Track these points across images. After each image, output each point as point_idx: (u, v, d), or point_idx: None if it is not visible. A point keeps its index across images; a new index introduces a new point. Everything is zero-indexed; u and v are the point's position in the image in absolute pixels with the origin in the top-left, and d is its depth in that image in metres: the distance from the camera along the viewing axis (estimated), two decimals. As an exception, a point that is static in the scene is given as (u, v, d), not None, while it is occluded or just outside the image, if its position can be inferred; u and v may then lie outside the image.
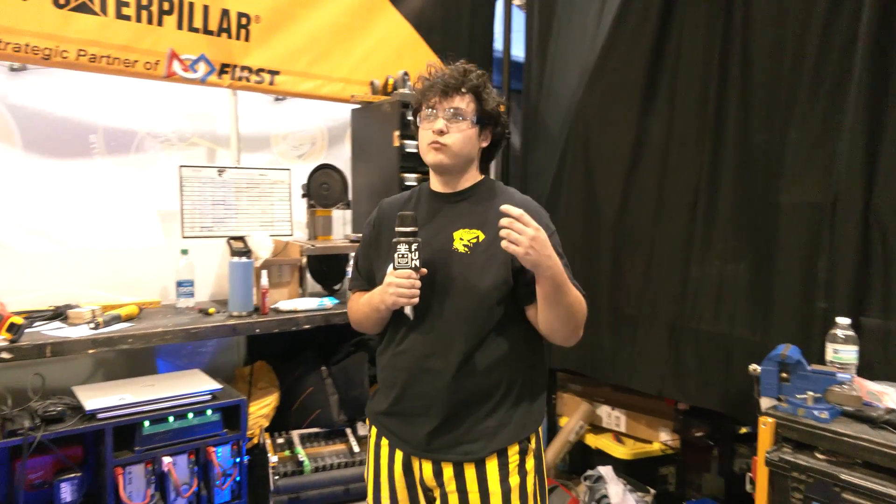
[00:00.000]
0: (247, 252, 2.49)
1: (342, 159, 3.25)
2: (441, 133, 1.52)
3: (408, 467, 1.56)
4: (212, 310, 2.47)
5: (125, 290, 2.59)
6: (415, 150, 2.80)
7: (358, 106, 3.09)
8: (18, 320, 1.97)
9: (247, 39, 2.84)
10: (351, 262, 2.50)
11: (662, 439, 2.83)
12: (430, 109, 1.55)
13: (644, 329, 2.68)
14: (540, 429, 1.61)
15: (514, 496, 1.51)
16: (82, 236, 2.64)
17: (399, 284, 1.46)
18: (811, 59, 2.16)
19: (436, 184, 1.64)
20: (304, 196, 2.92)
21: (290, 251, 2.79)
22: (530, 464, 1.56)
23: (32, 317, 2.23)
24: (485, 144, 1.62)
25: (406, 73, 2.94)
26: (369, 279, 1.69)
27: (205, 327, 2.28)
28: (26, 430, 1.80)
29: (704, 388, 2.45)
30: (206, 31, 2.73)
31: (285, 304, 2.55)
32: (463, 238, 1.54)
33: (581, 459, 3.14)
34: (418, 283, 1.47)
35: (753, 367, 1.80)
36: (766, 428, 1.67)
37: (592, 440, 3.01)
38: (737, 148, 2.40)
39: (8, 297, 2.26)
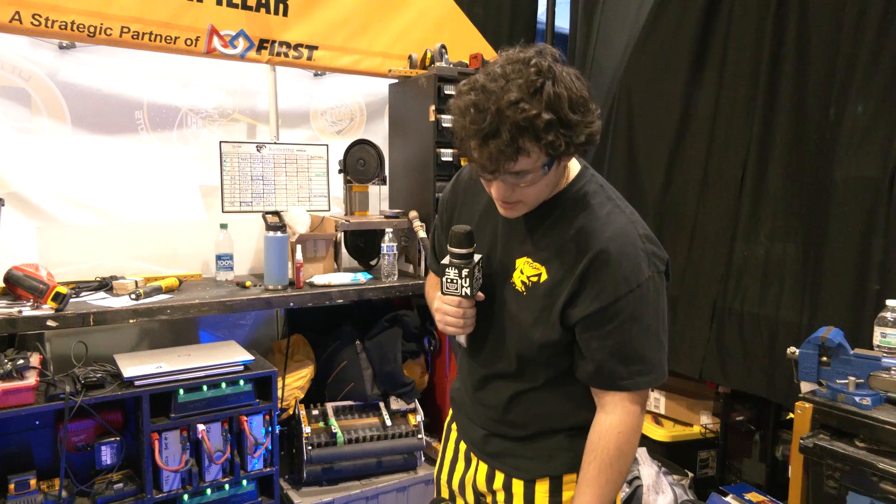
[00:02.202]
0: (281, 227, 2.52)
1: (381, 135, 3.24)
2: (500, 198, 1.17)
3: (468, 460, 1.44)
4: (248, 283, 2.52)
5: (168, 263, 2.67)
6: (451, 125, 2.77)
7: (396, 81, 3.06)
8: (63, 290, 2.05)
9: (285, 14, 2.85)
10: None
11: (703, 422, 2.75)
12: (480, 171, 1.12)
13: (685, 309, 2.60)
14: None
15: None
16: (128, 210, 2.73)
17: (446, 312, 1.26)
18: (872, 27, 2.00)
19: None
20: (340, 172, 2.93)
21: (325, 226, 2.81)
22: None
23: (80, 287, 2.32)
24: (568, 161, 1.20)
25: (443, 47, 2.89)
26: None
27: (240, 300, 2.32)
28: (67, 394, 1.89)
29: (747, 371, 2.36)
30: (245, 7, 2.74)
31: (320, 279, 2.57)
32: (524, 272, 1.24)
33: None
34: (471, 312, 1.26)
35: (792, 349, 1.71)
36: (802, 413, 1.58)
37: (630, 422, 2.94)
38: (789, 121, 2.27)
39: (57, 268, 2.35)
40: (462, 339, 1.34)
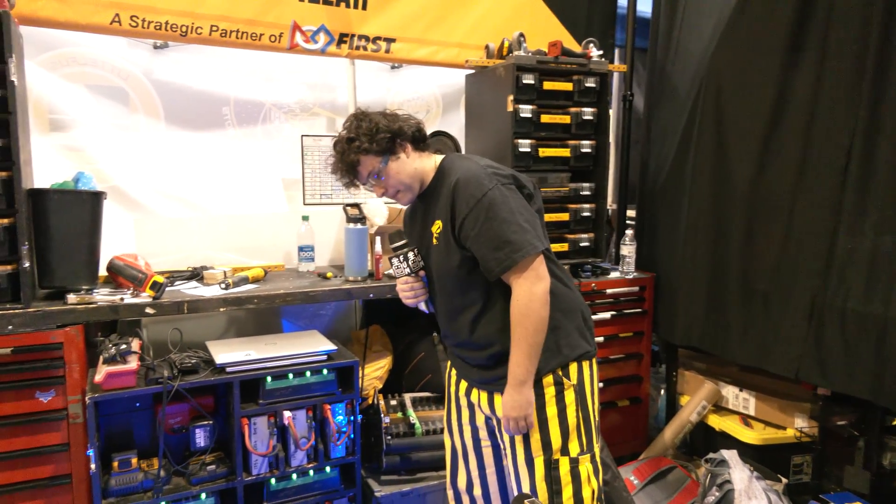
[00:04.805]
0: (361, 219, 2.55)
1: (457, 126, 3.23)
2: (386, 195, 1.71)
3: (469, 394, 1.83)
4: (329, 274, 2.57)
5: (253, 254, 2.75)
6: (529, 115, 2.73)
7: (472, 71, 3.03)
8: (160, 279, 2.15)
9: (364, 8, 2.87)
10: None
11: (797, 426, 2.60)
12: (360, 187, 1.75)
13: (779, 305, 2.46)
14: (586, 367, 1.73)
15: (553, 424, 1.68)
16: (216, 202, 2.84)
17: (401, 290, 1.77)
18: None
19: None
20: (418, 163, 2.93)
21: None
22: (570, 398, 1.70)
23: (173, 276, 2.43)
24: (411, 151, 1.69)
25: (521, 35, 2.83)
26: None
27: (322, 290, 2.37)
28: (166, 378, 1.98)
29: (850, 372, 2.21)
30: (326, 2, 2.79)
31: (398, 270, 2.58)
32: (434, 232, 1.70)
33: (703, 441, 2.96)
34: (417, 284, 1.74)
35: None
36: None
37: (717, 422, 2.82)
38: (901, 103, 2.09)
39: (152, 258, 2.47)
40: (423, 307, 1.79)
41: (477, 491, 1.87)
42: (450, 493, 1.95)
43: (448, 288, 1.70)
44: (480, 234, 1.58)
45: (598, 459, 1.74)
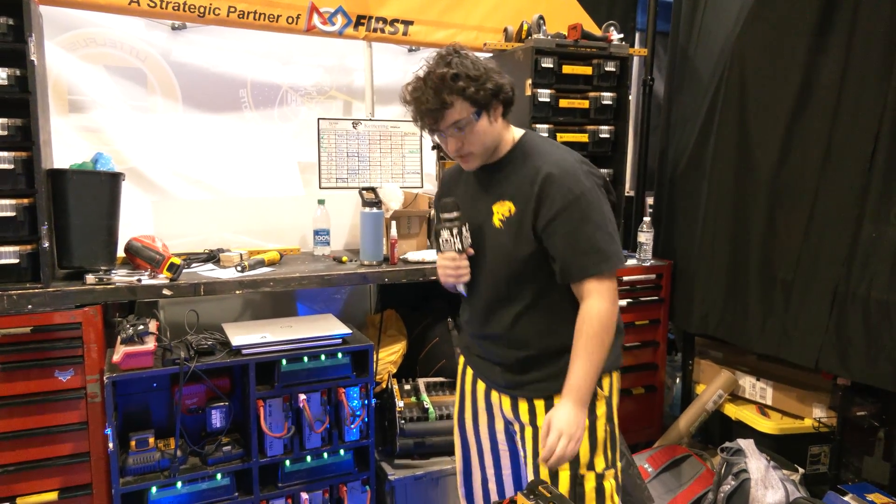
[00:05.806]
0: (377, 203, 2.54)
1: (474, 111, 3.19)
2: (458, 151, 1.51)
3: (488, 396, 1.72)
4: (345, 258, 2.56)
5: (269, 237, 2.76)
6: (547, 100, 2.69)
7: (490, 55, 3.00)
8: (177, 261, 2.16)
9: (382, -11, 2.84)
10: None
11: (816, 416, 2.57)
12: (433, 134, 1.52)
13: (800, 294, 2.42)
14: (615, 378, 1.64)
15: (583, 438, 1.54)
16: (233, 185, 2.84)
17: (445, 266, 1.59)
18: None
19: None
20: (433, 148, 2.91)
21: (419, 203, 2.81)
22: (601, 409, 1.59)
23: (190, 258, 2.44)
24: (500, 115, 1.51)
25: (541, 18, 2.79)
26: None
27: (338, 274, 2.37)
28: (182, 360, 1.99)
29: (873, 362, 2.17)
30: (343, -17, 2.76)
31: (413, 255, 2.58)
32: (498, 212, 1.55)
33: (719, 430, 2.94)
34: (464, 263, 1.57)
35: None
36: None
37: (733, 411, 2.80)
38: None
39: (169, 240, 2.47)
40: (462, 289, 1.62)
41: (492, 485, 1.79)
42: (461, 493, 1.86)
43: (501, 276, 1.56)
44: (570, 235, 1.45)
45: (619, 474, 1.63)
